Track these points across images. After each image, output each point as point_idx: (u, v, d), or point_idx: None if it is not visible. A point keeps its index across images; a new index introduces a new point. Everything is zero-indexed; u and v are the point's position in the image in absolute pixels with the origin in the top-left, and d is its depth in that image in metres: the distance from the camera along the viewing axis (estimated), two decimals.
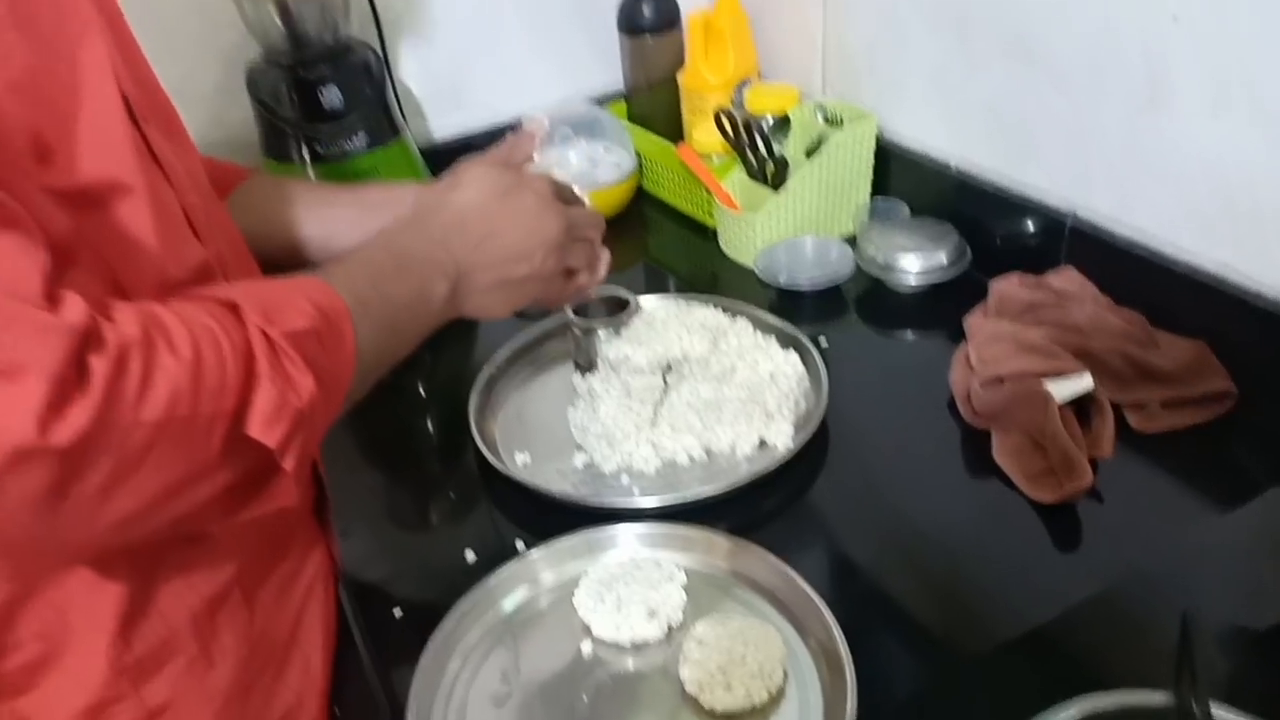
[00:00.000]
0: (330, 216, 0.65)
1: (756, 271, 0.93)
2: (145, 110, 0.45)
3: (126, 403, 0.35)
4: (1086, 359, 0.74)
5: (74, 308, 0.35)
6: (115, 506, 0.36)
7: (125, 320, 0.36)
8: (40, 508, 0.34)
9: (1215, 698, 0.44)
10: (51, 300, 0.34)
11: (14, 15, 0.37)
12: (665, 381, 0.77)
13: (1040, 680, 0.53)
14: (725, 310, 0.84)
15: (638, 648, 0.60)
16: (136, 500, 0.37)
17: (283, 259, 0.63)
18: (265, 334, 0.40)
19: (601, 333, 0.80)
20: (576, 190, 0.69)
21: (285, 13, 0.90)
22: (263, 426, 0.39)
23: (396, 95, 1.02)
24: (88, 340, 0.34)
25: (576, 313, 0.82)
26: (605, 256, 0.69)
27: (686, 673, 0.57)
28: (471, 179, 0.59)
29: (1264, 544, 0.55)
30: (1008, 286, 0.83)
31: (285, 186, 0.68)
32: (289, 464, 0.40)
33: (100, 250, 0.40)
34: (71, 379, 0.34)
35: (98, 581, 0.43)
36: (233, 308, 0.40)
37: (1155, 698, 0.47)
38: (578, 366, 0.83)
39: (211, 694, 0.48)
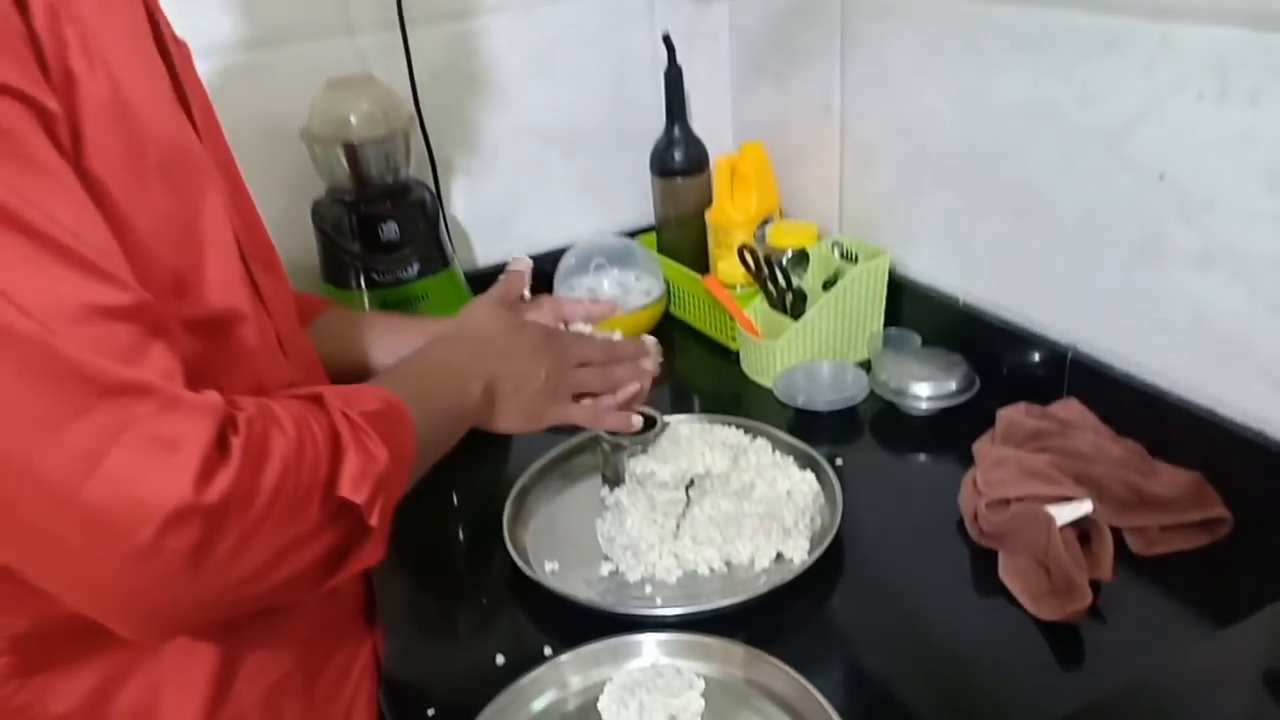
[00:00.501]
0: (395, 344, 0.75)
1: (776, 393, 0.99)
2: (251, 248, 0.53)
3: (254, 472, 0.42)
4: (1088, 485, 0.78)
5: (213, 395, 0.42)
6: (243, 563, 0.42)
7: (247, 405, 0.43)
8: (188, 562, 0.40)
9: None
10: (194, 389, 0.42)
11: (162, 177, 0.45)
12: (688, 496, 0.82)
13: None
14: (745, 430, 0.90)
15: None
16: (258, 558, 0.43)
17: (353, 380, 0.70)
18: (345, 414, 0.47)
19: (629, 449, 0.86)
20: (582, 327, 0.78)
21: (353, 158, 1.00)
22: (352, 487, 0.46)
23: (447, 228, 1.11)
24: (226, 420, 0.42)
25: (605, 429, 0.88)
26: (632, 379, 0.76)
27: None
28: (483, 314, 0.68)
29: (1256, 661, 0.58)
30: (1014, 414, 0.88)
31: (357, 318, 0.79)
32: (374, 519, 0.47)
33: (212, 367, 0.47)
34: (216, 451, 0.40)
35: (186, 662, 0.48)
36: (318, 398, 0.47)
37: None
38: (605, 480, 0.88)
39: None
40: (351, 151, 1.00)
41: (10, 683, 0.46)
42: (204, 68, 0.64)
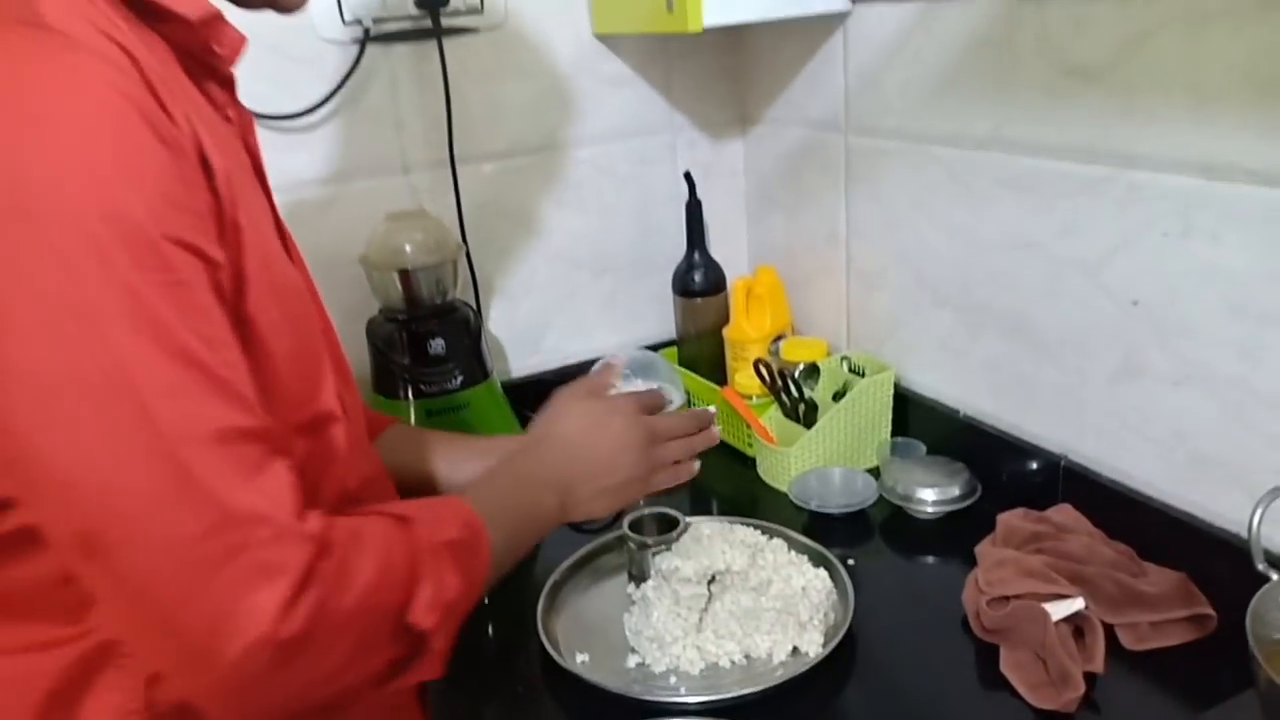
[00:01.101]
0: (455, 459, 0.83)
1: (791, 496, 1.06)
2: (337, 363, 0.62)
3: (336, 598, 0.47)
4: (1082, 584, 0.84)
5: (315, 521, 0.47)
6: (313, 673, 0.48)
7: (341, 528, 0.49)
8: (264, 676, 0.45)
9: None
10: (301, 514, 0.47)
11: (286, 306, 0.54)
12: (710, 591, 0.89)
13: None
14: (763, 530, 0.97)
15: None
16: (328, 669, 0.48)
17: (415, 490, 0.77)
18: (428, 543, 0.53)
19: (654, 548, 0.93)
20: (665, 396, 0.86)
21: (406, 282, 1.11)
22: (422, 615, 0.51)
23: (487, 343, 1.21)
24: (321, 549, 0.47)
25: (632, 529, 0.95)
26: (706, 444, 0.84)
27: None
28: (568, 410, 0.75)
29: None
30: (1013, 519, 0.95)
31: (419, 435, 0.86)
32: (438, 644, 0.52)
33: (313, 465, 0.55)
34: (306, 581, 0.46)
35: None
36: (405, 521, 0.54)
37: None
38: (632, 578, 0.95)
39: None
40: (405, 276, 1.11)
41: None
42: (278, 200, 0.70)
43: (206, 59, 0.55)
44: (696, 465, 0.86)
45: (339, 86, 1.15)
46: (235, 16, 0.60)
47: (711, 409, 0.92)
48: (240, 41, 0.58)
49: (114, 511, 0.43)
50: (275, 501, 0.47)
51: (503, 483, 0.65)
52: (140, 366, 0.43)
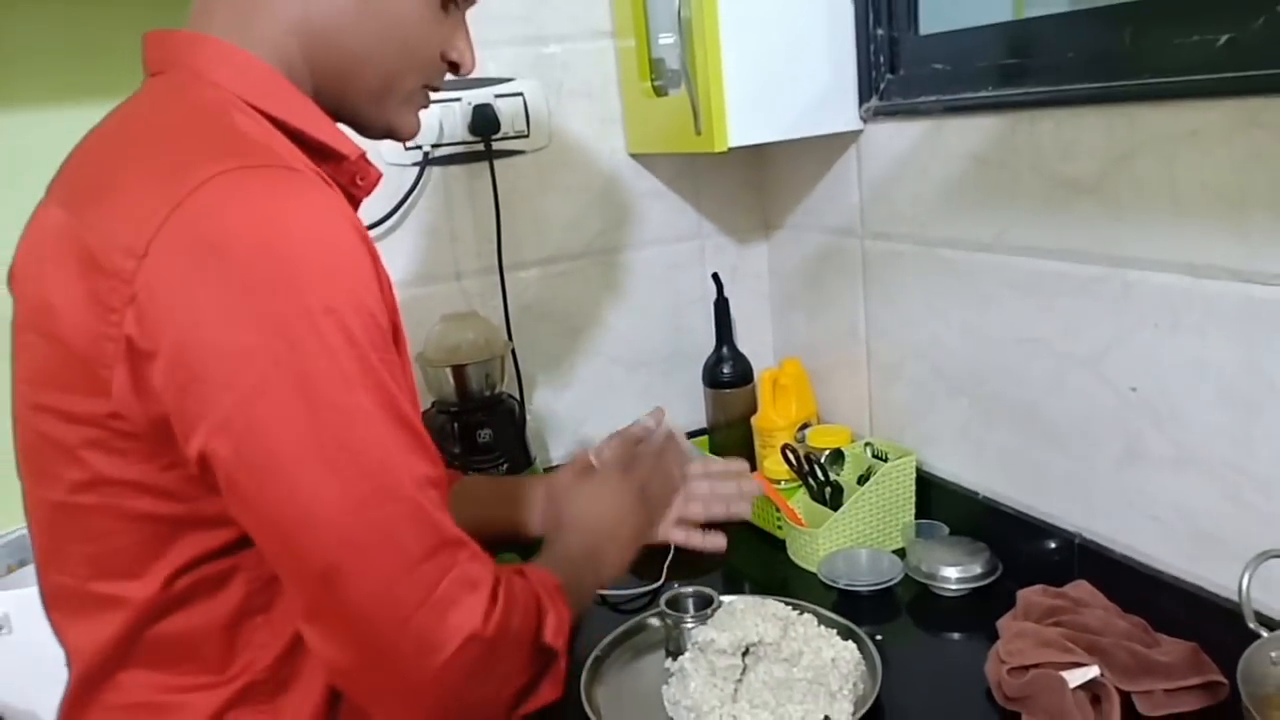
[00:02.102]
0: (515, 505, 0.96)
1: (819, 575, 1.11)
2: None
3: (510, 614, 0.57)
4: (1098, 654, 0.88)
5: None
6: (491, 682, 0.57)
7: (495, 567, 0.59)
8: (466, 676, 0.55)
9: None
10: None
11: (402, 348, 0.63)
12: (744, 663, 0.94)
13: None
14: (794, 606, 1.02)
15: None
16: (498, 679, 0.58)
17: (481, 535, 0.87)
18: (541, 583, 0.63)
19: (690, 623, 0.99)
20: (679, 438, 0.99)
21: (459, 377, 1.21)
22: (553, 636, 0.61)
23: (530, 433, 1.30)
24: (496, 572, 0.58)
25: (669, 606, 1.01)
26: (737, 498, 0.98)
27: None
28: (575, 499, 0.86)
29: None
30: (1032, 595, 1.00)
31: (481, 484, 0.99)
32: (561, 664, 0.62)
33: None
34: (494, 595, 0.56)
35: None
36: (520, 571, 0.63)
37: None
38: (669, 652, 1.01)
39: None
40: (458, 372, 1.21)
41: None
42: None
43: (350, 190, 0.66)
44: (721, 542, 0.97)
45: (400, 203, 1.28)
46: None
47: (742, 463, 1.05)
48: (378, 176, 0.70)
49: (357, 542, 0.53)
50: (463, 533, 0.58)
51: (556, 564, 0.73)
52: (380, 426, 0.54)
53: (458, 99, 1.27)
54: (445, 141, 1.29)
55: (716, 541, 0.95)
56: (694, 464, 1.00)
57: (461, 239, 1.33)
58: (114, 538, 0.58)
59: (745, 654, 0.95)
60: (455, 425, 1.21)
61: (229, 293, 0.51)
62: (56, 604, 0.64)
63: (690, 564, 1.20)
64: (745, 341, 1.44)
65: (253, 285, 0.52)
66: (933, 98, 1.11)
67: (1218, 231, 0.84)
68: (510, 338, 1.33)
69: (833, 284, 1.36)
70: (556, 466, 1.41)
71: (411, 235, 1.30)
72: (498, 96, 1.29)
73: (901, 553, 1.13)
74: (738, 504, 1.00)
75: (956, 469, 1.20)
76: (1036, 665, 0.87)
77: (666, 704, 0.93)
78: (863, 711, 0.87)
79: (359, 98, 0.67)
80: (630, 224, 1.42)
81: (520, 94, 1.31)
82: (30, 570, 1.09)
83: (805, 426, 1.33)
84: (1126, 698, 0.85)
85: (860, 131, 1.24)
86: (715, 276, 1.39)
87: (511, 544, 0.98)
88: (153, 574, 0.58)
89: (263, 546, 0.56)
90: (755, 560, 1.25)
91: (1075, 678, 0.84)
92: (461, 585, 0.55)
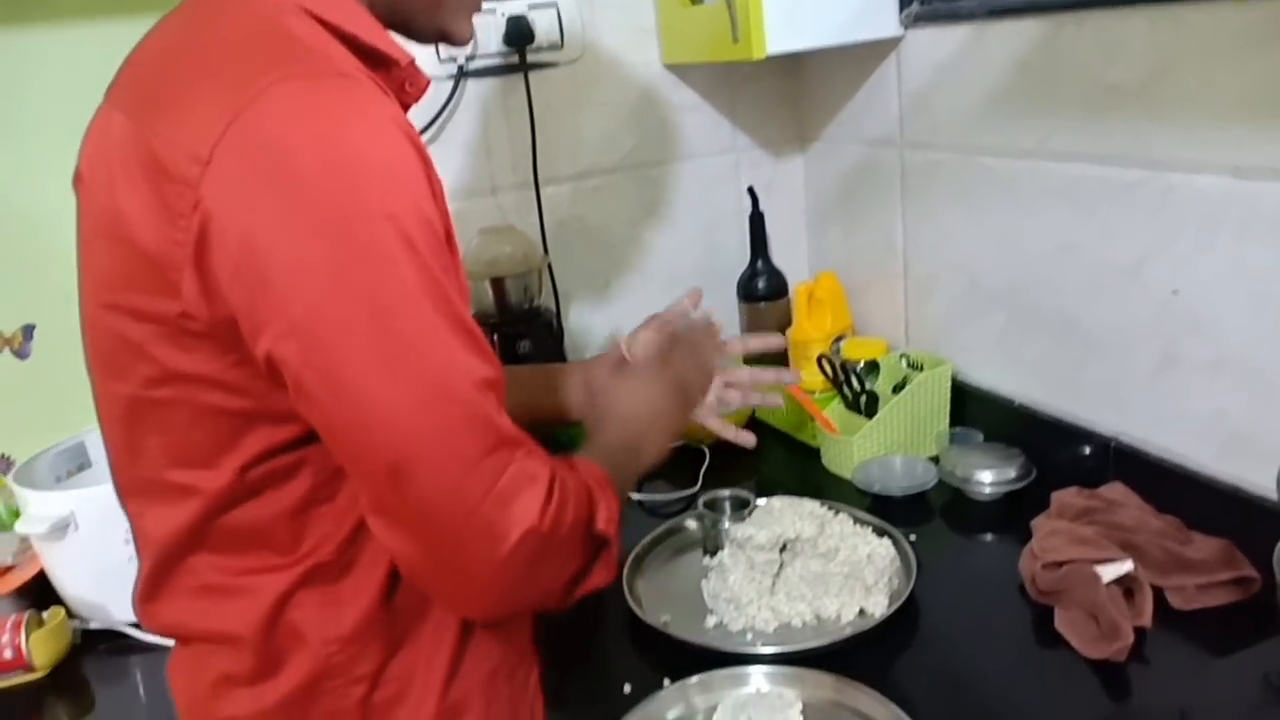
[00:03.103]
0: (555, 391, 0.98)
1: (854, 482, 1.13)
2: None
3: (564, 507, 0.59)
4: (1131, 550, 0.90)
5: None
6: (547, 572, 0.60)
7: (551, 461, 0.61)
8: (526, 567, 0.57)
9: None
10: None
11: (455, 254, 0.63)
12: (781, 558, 0.97)
13: None
14: (829, 507, 1.04)
15: None
16: (553, 569, 0.60)
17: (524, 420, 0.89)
18: (591, 475, 0.65)
19: (727, 522, 1.01)
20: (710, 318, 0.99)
21: (498, 290, 1.23)
22: (605, 525, 0.63)
23: (566, 345, 1.32)
24: (553, 467, 0.59)
25: (707, 507, 1.04)
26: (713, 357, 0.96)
27: None
28: (615, 392, 0.85)
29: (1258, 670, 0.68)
30: (1066, 496, 1.01)
31: (522, 373, 1.00)
32: (613, 551, 0.65)
33: None
34: (551, 489, 0.58)
35: (438, 640, 0.65)
36: (571, 464, 0.65)
37: None
38: (706, 551, 1.04)
39: None
40: (497, 284, 1.23)
41: (348, 649, 0.63)
42: None
43: (400, 97, 0.67)
44: (751, 439, 0.97)
45: (436, 116, 1.28)
46: None
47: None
48: (427, 82, 0.69)
49: (422, 441, 0.55)
50: (521, 430, 0.59)
51: (599, 456, 0.75)
52: (442, 332, 0.55)
53: (492, 10, 1.26)
54: (480, 54, 1.28)
55: (747, 437, 0.96)
56: (732, 342, 1.01)
57: (497, 153, 1.33)
58: (189, 430, 0.61)
59: (783, 550, 0.97)
60: (495, 337, 1.23)
61: (291, 200, 0.53)
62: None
63: (726, 470, 1.23)
64: (780, 256, 1.44)
65: (314, 192, 0.53)
66: (975, 1, 1.08)
67: (1261, 132, 0.83)
68: (546, 252, 1.34)
69: (870, 196, 1.35)
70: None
71: (447, 149, 1.30)
72: (531, 8, 1.28)
73: (936, 460, 1.15)
74: (774, 395, 1.01)
75: (992, 379, 1.20)
76: (1070, 561, 0.89)
77: (706, 597, 0.96)
78: (898, 605, 0.90)
79: (415, 2, 0.68)
80: (665, 138, 1.41)
81: (554, 4, 1.30)
82: (89, 473, 1.14)
83: (840, 339, 1.34)
84: (1159, 593, 0.87)
85: (900, 38, 1.21)
86: (751, 190, 1.39)
87: (553, 428, 1.00)
88: (225, 465, 0.60)
89: (330, 444, 0.58)
90: (790, 469, 1.27)
91: (1109, 572, 0.86)
92: (520, 480, 0.57)
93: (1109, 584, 0.85)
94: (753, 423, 1.36)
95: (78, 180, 0.63)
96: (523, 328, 1.24)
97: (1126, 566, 0.87)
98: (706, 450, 1.27)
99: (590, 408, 0.94)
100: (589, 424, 0.85)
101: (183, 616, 0.66)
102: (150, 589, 0.67)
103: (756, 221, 1.38)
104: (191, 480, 0.62)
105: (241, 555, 0.63)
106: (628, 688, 0.85)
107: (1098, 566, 0.87)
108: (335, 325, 0.54)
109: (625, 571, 1.00)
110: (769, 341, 1.04)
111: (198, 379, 0.59)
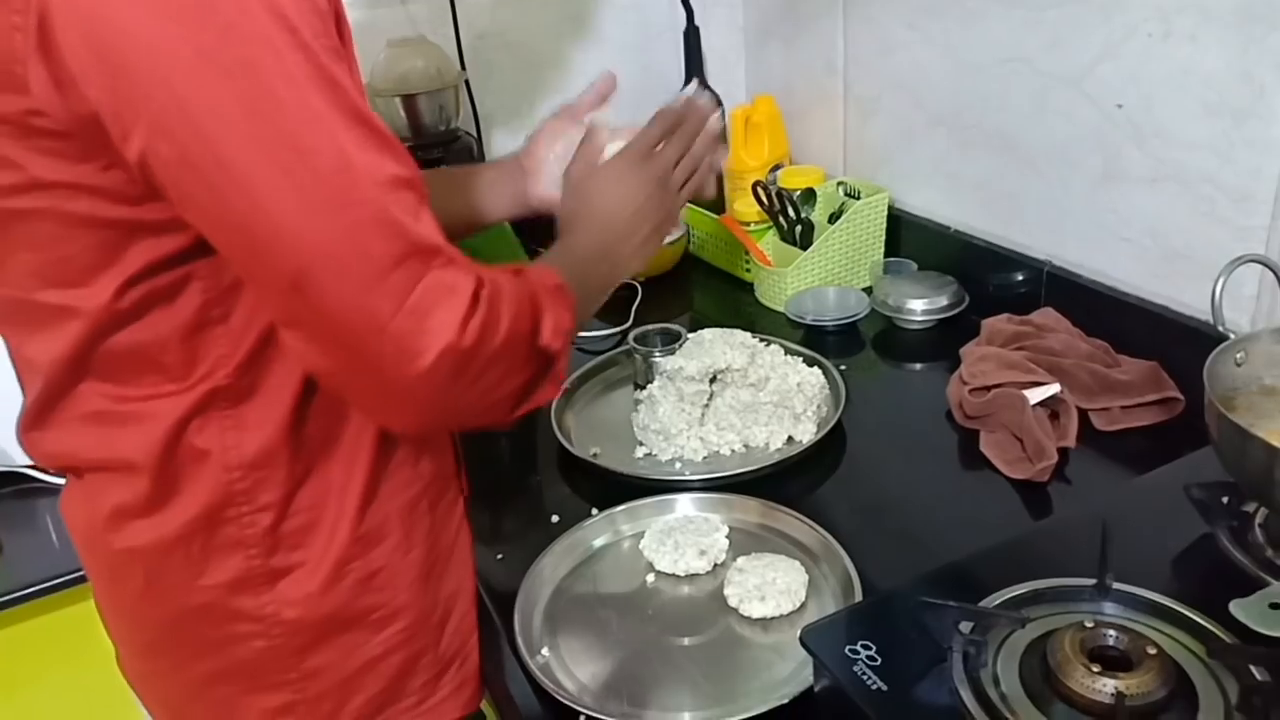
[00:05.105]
0: (467, 193, 0.87)
1: (786, 313, 1.11)
2: None
3: (493, 321, 0.54)
4: (1059, 374, 0.90)
5: (466, 258, 0.54)
6: (478, 387, 0.55)
7: (483, 270, 0.55)
8: (448, 382, 0.53)
9: (1119, 579, 0.60)
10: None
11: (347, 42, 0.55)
12: (711, 389, 0.95)
13: (1003, 573, 0.64)
14: (760, 339, 1.02)
15: (691, 578, 0.75)
16: (486, 384, 0.55)
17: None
18: (540, 285, 0.59)
19: (657, 355, 0.99)
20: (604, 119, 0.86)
21: (410, 109, 1.13)
22: (549, 338, 0.58)
23: None
24: (478, 278, 0.54)
25: (637, 341, 1.00)
26: (710, 150, 0.83)
27: (729, 590, 0.72)
28: (585, 190, 0.75)
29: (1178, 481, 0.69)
30: (997, 322, 1.00)
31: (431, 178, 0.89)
32: (560, 366, 0.60)
33: None
34: (474, 301, 0.52)
35: (349, 471, 0.61)
36: (518, 271, 0.59)
37: (1082, 580, 0.61)
38: (637, 386, 1.01)
39: (408, 567, 0.65)
40: (409, 103, 1.13)
41: (251, 476, 0.59)
42: None
43: None
44: (717, 160, 0.86)
45: None
46: None
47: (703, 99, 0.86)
48: None
49: (322, 250, 0.50)
50: (440, 236, 0.53)
51: (564, 262, 0.69)
52: (332, 122, 0.49)
53: None
54: None
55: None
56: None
57: None
58: (59, 245, 0.55)
59: (713, 381, 0.95)
60: None
61: None
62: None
63: (658, 306, 1.19)
64: (716, 77, 1.35)
65: None
66: None
67: None
68: (464, 69, 1.23)
69: (810, 11, 1.26)
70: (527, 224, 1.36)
71: None
72: None
73: (870, 290, 1.12)
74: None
75: (931, 205, 1.17)
76: (998, 385, 0.88)
77: (636, 429, 0.94)
78: (824, 431, 0.89)
79: None
80: None
81: None
82: None
83: (777, 167, 1.28)
84: (1085, 415, 0.87)
85: None
86: (685, 2, 1.28)
87: (468, 235, 0.89)
88: (103, 283, 0.55)
89: (224, 253, 0.53)
90: (723, 303, 1.24)
91: (1036, 395, 0.86)
92: (437, 292, 0.52)
93: (1035, 406, 0.85)
94: (686, 258, 1.32)
95: None
96: (439, 151, 1.15)
97: (1053, 389, 0.87)
98: (639, 285, 1.22)
99: (564, 216, 0.80)
100: (560, 225, 0.77)
101: (73, 445, 0.61)
102: (35, 417, 0.62)
103: (691, 37, 1.29)
104: (67, 300, 0.56)
105: (132, 381, 0.58)
106: (556, 519, 0.84)
107: (1025, 390, 0.87)
108: (206, 117, 0.47)
109: (554, 406, 0.97)
110: (695, 122, 0.85)
111: (61, 185, 0.52)
